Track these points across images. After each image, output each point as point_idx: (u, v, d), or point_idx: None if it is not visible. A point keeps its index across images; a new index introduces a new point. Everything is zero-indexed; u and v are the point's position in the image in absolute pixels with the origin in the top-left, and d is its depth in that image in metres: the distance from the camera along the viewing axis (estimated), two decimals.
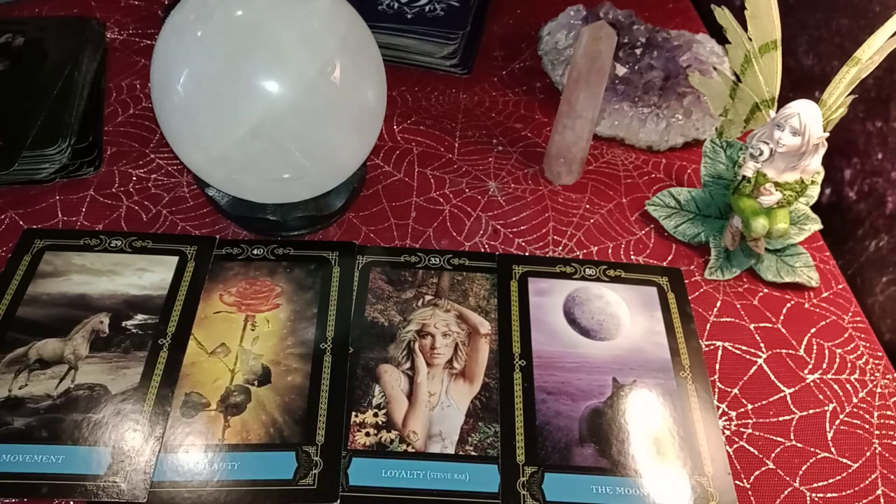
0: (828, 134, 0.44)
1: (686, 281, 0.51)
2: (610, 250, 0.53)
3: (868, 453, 0.43)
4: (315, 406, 0.42)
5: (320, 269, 0.49)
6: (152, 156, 0.57)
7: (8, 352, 0.43)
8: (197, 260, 0.49)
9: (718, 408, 0.45)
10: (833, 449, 0.43)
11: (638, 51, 0.64)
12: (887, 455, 0.43)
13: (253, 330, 0.46)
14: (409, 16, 0.65)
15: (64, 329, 0.45)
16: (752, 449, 0.43)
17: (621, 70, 0.62)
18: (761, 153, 0.45)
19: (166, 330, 0.45)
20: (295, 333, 0.46)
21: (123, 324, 0.45)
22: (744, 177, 0.47)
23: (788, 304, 0.51)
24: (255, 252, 0.50)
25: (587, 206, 0.56)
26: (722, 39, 0.49)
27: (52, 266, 0.48)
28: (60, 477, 0.39)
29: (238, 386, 0.43)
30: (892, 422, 0.45)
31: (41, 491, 0.38)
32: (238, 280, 0.48)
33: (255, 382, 0.43)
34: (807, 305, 0.51)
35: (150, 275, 0.48)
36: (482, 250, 0.52)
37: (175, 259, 0.49)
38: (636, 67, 0.63)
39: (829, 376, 0.47)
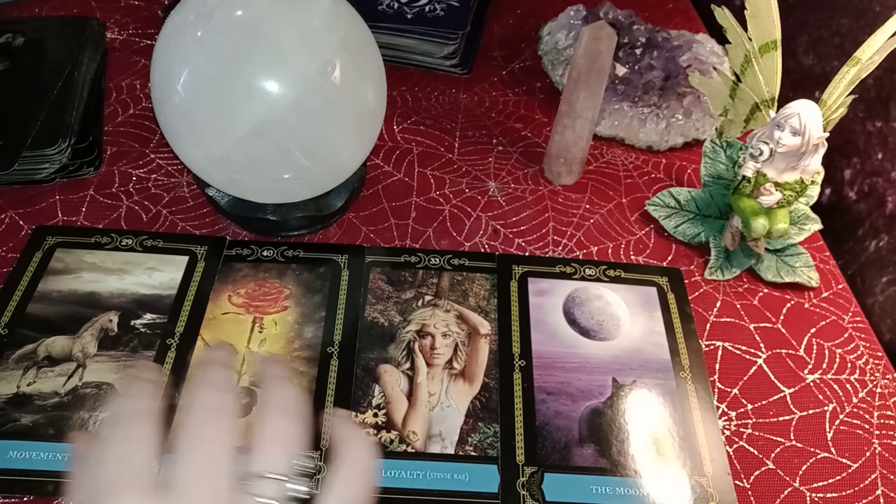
0: (828, 134, 0.44)
1: (686, 281, 0.51)
2: (610, 250, 0.53)
3: (868, 453, 0.43)
4: (320, 410, 0.42)
5: (329, 272, 0.49)
6: (152, 156, 0.57)
7: (17, 348, 0.44)
8: (206, 260, 0.49)
9: (718, 408, 0.45)
10: (833, 449, 0.43)
11: (638, 51, 0.64)
12: (887, 455, 0.43)
13: (261, 332, 0.46)
14: (409, 16, 0.65)
15: (73, 327, 0.45)
16: (751, 449, 0.43)
17: (621, 70, 0.62)
18: (761, 153, 0.45)
19: (174, 330, 0.45)
20: (302, 336, 0.46)
21: (132, 323, 0.45)
22: (744, 177, 0.47)
23: (788, 304, 0.51)
24: (264, 253, 0.50)
25: (587, 206, 0.56)
26: (722, 39, 0.49)
27: (62, 263, 0.48)
28: (66, 475, 0.39)
29: (244, 388, 0.43)
30: (892, 422, 0.45)
31: (46, 489, 0.38)
32: (247, 281, 0.48)
33: (261, 385, 0.43)
34: (807, 305, 0.51)
35: (160, 274, 0.48)
36: (482, 250, 0.52)
37: (185, 259, 0.49)
38: (636, 67, 0.63)
39: (829, 376, 0.47)
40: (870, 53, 0.43)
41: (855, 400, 0.46)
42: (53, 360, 0.43)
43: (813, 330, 0.49)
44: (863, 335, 0.49)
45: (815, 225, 0.52)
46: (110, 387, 0.42)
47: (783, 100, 0.46)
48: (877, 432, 0.44)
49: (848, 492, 0.42)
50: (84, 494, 0.28)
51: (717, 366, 0.47)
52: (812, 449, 0.43)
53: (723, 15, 0.48)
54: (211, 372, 0.31)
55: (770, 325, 0.50)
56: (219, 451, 0.28)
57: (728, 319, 0.50)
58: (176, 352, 0.44)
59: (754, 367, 0.47)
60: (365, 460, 0.31)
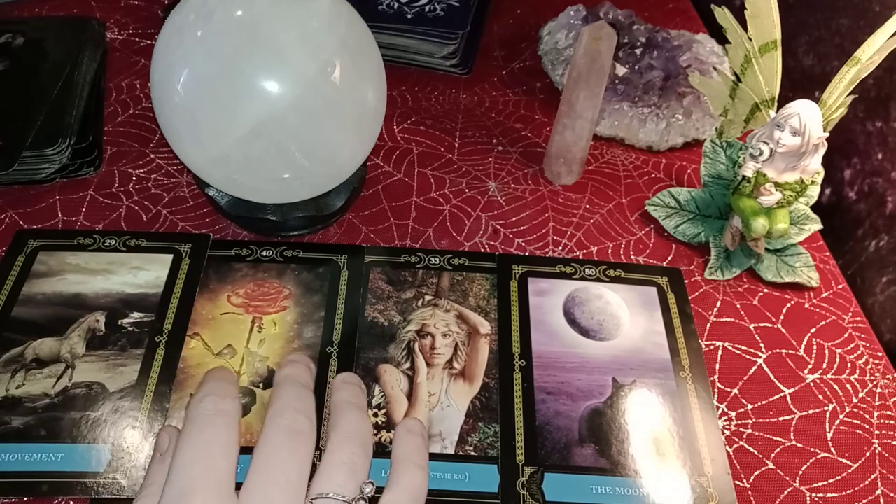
0: (828, 134, 0.44)
1: (686, 281, 0.51)
2: (610, 250, 0.53)
3: (868, 453, 0.43)
4: (319, 410, 0.42)
5: (328, 272, 0.49)
6: (152, 156, 0.57)
7: (4, 352, 0.43)
8: (191, 258, 0.49)
9: (718, 408, 0.45)
10: (833, 449, 0.43)
11: (638, 51, 0.64)
12: (887, 455, 0.43)
13: (260, 332, 0.46)
14: (409, 16, 0.65)
15: (60, 328, 0.45)
16: (751, 449, 0.43)
17: (621, 70, 0.62)
18: (761, 153, 0.45)
19: (162, 327, 0.45)
20: (301, 336, 0.46)
21: (119, 322, 0.45)
22: (744, 177, 0.47)
23: (788, 304, 0.51)
24: (264, 254, 0.50)
25: (587, 206, 0.56)
26: (722, 39, 0.49)
27: (46, 266, 0.48)
28: (60, 475, 0.39)
29: (243, 388, 0.43)
30: (892, 422, 0.45)
31: (41, 489, 0.38)
32: (246, 281, 0.48)
33: (261, 385, 0.43)
34: (807, 305, 0.51)
35: (145, 273, 0.48)
36: (482, 250, 0.52)
37: (169, 257, 0.49)
38: (636, 67, 0.63)
39: (829, 376, 0.47)
40: (870, 53, 0.43)
41: (855, 400, 0.46)
42: (41, 362, 0.43)
43: (813, 330, 0.49)
44: (863, 335, 0.49)
45: (815, 225, 0.52)
46: (101, 386, 0.42)
47: (783, 100, 0.46)
48: (877, 432, 0.44)
49: (848, 492, 0.42)
50: (160, 492, 0.28)
51: (717, 366, 0.47)
52: (812, 449, 0.43)
53: (723, 15, 0.48)
54: (292, 392, 0.31)
55: (770, 325, 0.50)
56: (294, 470, 0.28)
57: (728, 319, 0.50)
58: (165, 349, 0.44)
59: (754, 367, 0.47)
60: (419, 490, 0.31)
